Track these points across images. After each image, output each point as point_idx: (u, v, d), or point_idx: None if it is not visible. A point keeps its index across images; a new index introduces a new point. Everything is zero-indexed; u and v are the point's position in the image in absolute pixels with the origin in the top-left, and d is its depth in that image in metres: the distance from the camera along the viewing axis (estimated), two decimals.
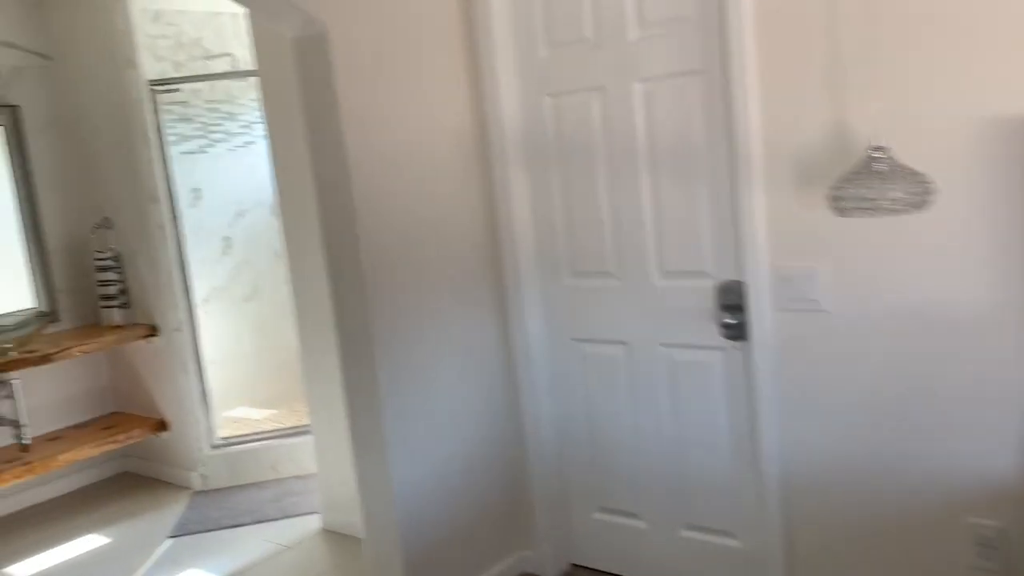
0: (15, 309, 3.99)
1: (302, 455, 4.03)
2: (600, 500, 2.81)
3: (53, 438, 3.99)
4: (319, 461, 3.46)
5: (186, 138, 4.64)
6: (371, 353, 2.40)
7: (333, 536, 3.37)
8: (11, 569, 3.39)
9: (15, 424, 3.82)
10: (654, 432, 2.64)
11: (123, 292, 4.10)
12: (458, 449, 2.64)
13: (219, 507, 3.78)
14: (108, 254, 4.06)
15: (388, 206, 2.43)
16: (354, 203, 2.34)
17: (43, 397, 4.04)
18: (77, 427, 4.14)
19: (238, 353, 4.93)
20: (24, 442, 3.80)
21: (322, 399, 3.40)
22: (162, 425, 4.10)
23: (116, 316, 4.07)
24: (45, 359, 3.65)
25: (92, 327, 4.16)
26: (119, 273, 4.09)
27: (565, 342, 2.77)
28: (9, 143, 3.98)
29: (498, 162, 2.70)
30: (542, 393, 2.81)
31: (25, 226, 4.05)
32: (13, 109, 3.98)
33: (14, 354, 3.64)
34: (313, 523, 3.49)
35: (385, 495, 2.48)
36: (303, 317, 3.42)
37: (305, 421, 4.69)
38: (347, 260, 2.40)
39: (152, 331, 4.02)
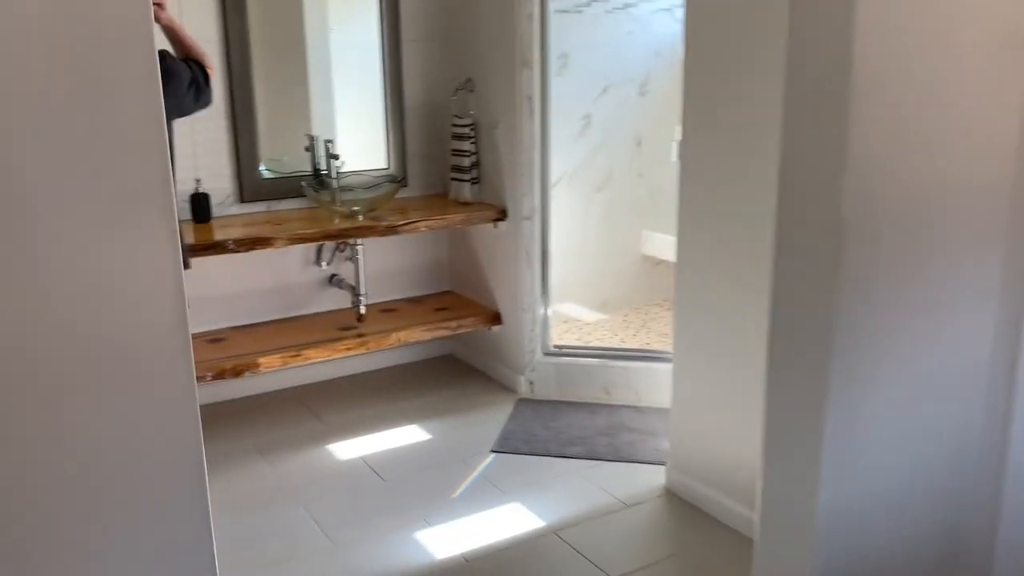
0: (367, 168, 3.73)
1: (640, 383, 3.46)
2: None
3: (387, 309, 3.76)
4: (675, 404, 2.84)
5: None
6: (826, 330, 1.66)
7: (682, 505, 2.78)
8: (333, 447, 3.21)
9: (354, 291, 3.61)
10: None
11: (475, 166, 3.67)
12: (914, 473, 1.87)
13: (545, 425, 3.34)
14: (466, 121, 3.62)
15: (903, 146, 1.60)
16: (848, 123, 1.54)
17: (380, 264, 3.80)
18: (411, 301, 3.88)
19: (580, 248, 4.41)
20: (361, 311, 3.59)
21: (693, 328, 2.73)
22: (495, 318, 3.71)
23: (466, 191, 3.67)
24: (391, 230, 3.34)
25: (439, 198, 3.81)
26: (474, 144, 3.65)
27: None
28: None
29: None
30: None
31: (386, 81, 3.71)
32: None
33: (361, 218, 3.36)
34: (655, 477, 2.92)
35: (804, 508, 1.79)
36: (685, 223, 2.71)
37: (634, 344, 4.14)
38: (816, 207, 1.63)
39: (501, 215, 3.57)
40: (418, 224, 3.40)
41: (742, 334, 2.52)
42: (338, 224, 3.30)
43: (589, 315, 4.51)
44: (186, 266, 1.67)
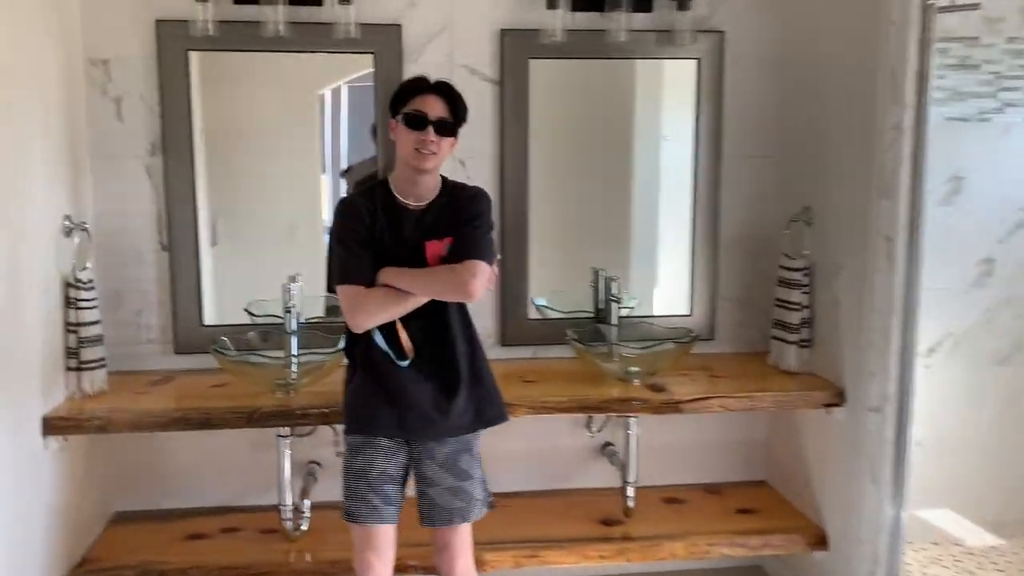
0: (664, 313, 2.91)
1: None
2: None
3: (671, 498, 2.85)
4: None
5: (959, 96, 2.93)
6: None
7: None
8: None
9: (623, 472, 2.75)
10: None
11: (806, 324, 2.67)
12: None
13: None
14: (799, 264, 2.66)
15: None
16: None
17: (668, 436, 2.90)
18: (707, 490, 2.92)
19: (964, 443, 3.12)
20: (629, 503, 2.72)
21: None
22: (820, 540, 2.61)
23: (790, 356, 2.68)
24: (670, 406, 2.46)
25: (755, 360, 2.85)
26: (807, 294, 2.66)
27: None
28: (700, 82, 2.83)
29: None
30: None
31: (697, 204, 2.90)
32: (717, 36, 2.81)
33: (638, 382, 2.54)
34: None
35: None
36: None
37: None
38: None
39: (836, 398, 2.52)
40: (709, 402, 2.48)
41: None
42: (602, 391, 2.51)
43: (974, 536, 3.16)
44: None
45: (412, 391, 2.08)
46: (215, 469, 2.77)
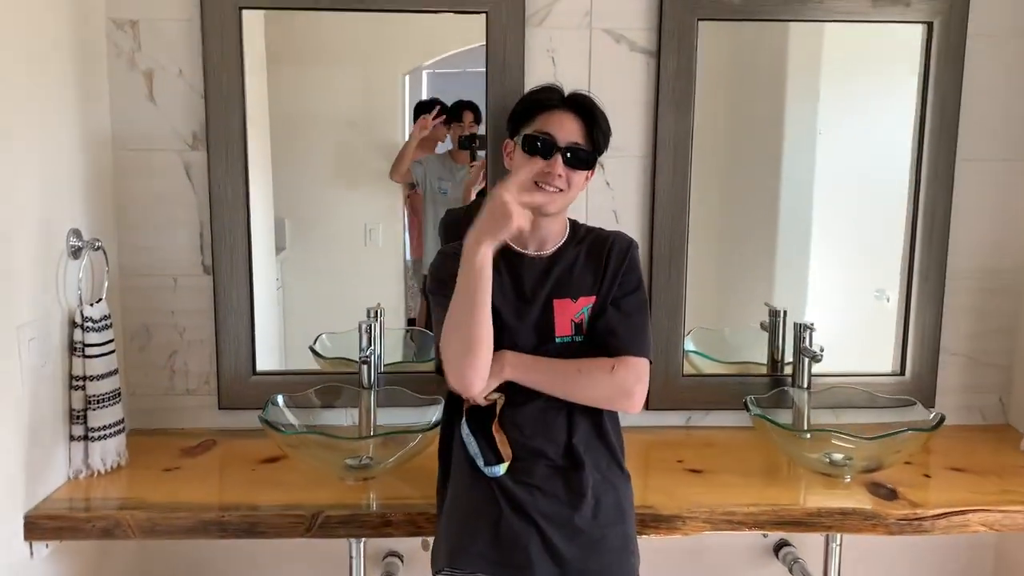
0: (858, 370, 2.16)
1: None
2: None
3: None
4: None
5: None
6: None
7: None
8: None
9: None
10: None
11: None
12: None
13: None
14: None
15: None
16: None
17: (882, 550, 2.14)
18: None
19: None
20: None
21: None
22: None
23: None
24: (913, 527, 1.69)
25: (992, 440, 2.07)
26: None
27: None
28: (929, 56, 2.05)
29: None
30: None
31: (916, 225, 2.12)
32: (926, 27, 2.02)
33: (849, 479, 1.79)
34: None
35: None
36: None
37: None
38: None
39: None
40: (967, 517, 1.70)
41: None
42: (802, 492, 1.77)
43: None
44: None
45: (511, 519, 1.50)
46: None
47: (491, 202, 1.41)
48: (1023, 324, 2.11)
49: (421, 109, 2.12)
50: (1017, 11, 2.04)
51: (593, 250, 1.59)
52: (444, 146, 2.19)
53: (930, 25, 2.04)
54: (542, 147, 1.52)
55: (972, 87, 2.05)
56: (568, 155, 1.52)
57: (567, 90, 1.58)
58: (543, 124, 1.54)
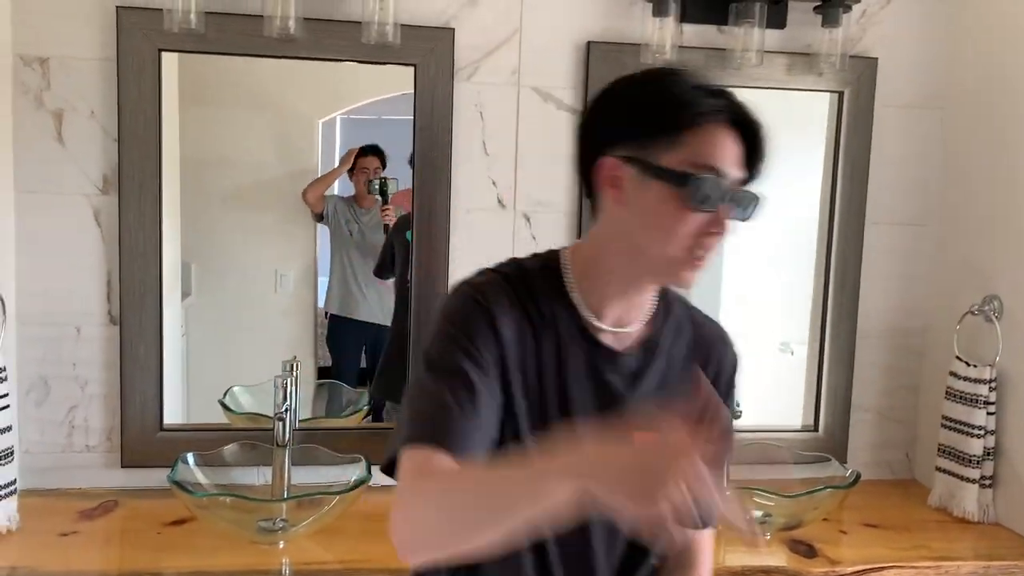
0: (774, 425, 2.20)
1: None
2: None
3: None
4: None
5: None
6: None
7: None
8: None
9: None
10: None
11: (990, 455, 1.96)
12: None
13: None
14: (983, 375, 1.95)
15: None
16: None
17: None
18: None
19: None
20: None
21: None
22: None
23: (969, 500, 1.96)
24: None
25: (901, 495, 2.13)
26: (993, 415, 1.96)
27: None
28: (841, 121, 2.14)
29: None
30: None
31: (828, 280, 2.19)
32: (869, 64, 2.12)
33: (768, 535, 1.81)
34: None
35: None
36: None
37: None
38: None
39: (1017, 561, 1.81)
40: (884, 573, 1.74)
41: None
42: (726, 552, 1.78)
43: None
44: None
45: None
46: None
47: (665, 452, 0.75)
48: (925, 382, 2.20)
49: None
50: (921, 84, 2.15)
51: (698, 337, 1.15)
52: (348, 190, 2.19)
53: (841, 95, 2.13)
54: (715, 193, 0.98)
55: (880, 154, 2.14)
56: (744, 206, 1.01)
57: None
58: (702, 149, 0.98)
